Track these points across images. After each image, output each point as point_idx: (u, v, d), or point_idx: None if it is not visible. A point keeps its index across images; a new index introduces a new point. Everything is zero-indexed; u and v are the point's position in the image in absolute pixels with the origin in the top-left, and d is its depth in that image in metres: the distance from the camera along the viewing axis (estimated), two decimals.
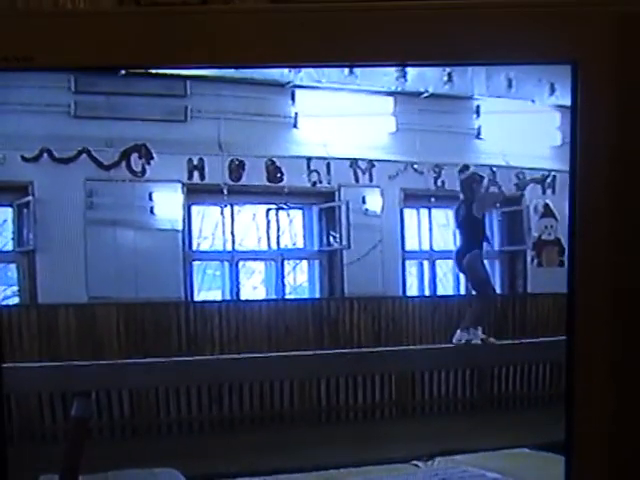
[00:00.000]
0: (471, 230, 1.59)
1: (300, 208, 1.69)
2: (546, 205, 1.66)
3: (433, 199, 1.67)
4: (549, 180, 1.67)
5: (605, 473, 1.06)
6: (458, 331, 1.60)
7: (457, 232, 1.61)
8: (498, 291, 1.66)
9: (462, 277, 1.63)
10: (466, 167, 1.56)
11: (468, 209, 1.59)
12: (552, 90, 1.57)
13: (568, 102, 1.56)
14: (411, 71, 1.60)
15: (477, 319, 1.60)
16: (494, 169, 1.59)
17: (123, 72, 1.53)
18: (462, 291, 1.71)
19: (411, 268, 1.69)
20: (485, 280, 1.62)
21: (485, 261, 1.62)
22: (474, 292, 1.63)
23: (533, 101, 1.57)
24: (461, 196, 1.59)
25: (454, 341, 1.59)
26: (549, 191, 1.67)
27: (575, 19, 0.98)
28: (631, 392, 1.05)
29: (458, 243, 1.62)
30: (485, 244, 1.61)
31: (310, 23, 1.00)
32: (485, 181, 1.57)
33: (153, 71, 1.55)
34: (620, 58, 0.99)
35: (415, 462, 1.49)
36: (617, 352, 1.03)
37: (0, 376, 1.10)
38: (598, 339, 1.02)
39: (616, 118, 0.99)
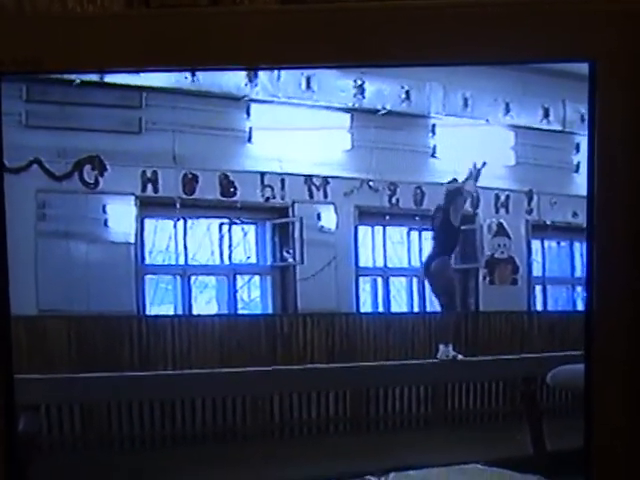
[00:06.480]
0: (445, 237, 1.60)
1: (253, 223, 1.68)
2: (499, 224, 1.68)
3: (387, 217, 1.67)
4: (503, 199, 1.69)
5: None
6: (441, 346, 1.60)
7: (432, 238, 1.61)
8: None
9: (426, 286, 1.64)
10: (455, 180, 1.57)
11: (446, 216, 1.59)
12: (507, 110, 1.59)
13: (522, 122, 1.61)
14: (369, 88, 1.61)
15: (446, 333, 1.61)
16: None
17: (78, 81, 1.51)
18: (415, 308, 1.72)
19: (365, 285, 1.69)
20: (450, 288, 1.63)
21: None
22: (437, 300, 1.63)
23: (487, 121, 1.59)
24: (442, 204, 1.59)
25: (438, 357, 1.59)
26: (502, 210, 1.69)
27: (593, 16, 0.97)
28: None
29: (430, 250, 1.62)
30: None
31: (320, 24, 0.99)
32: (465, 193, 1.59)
33: (108, 81, 1.54)
34: (639, 55, 0.98)
35: (369, 477, 1.49)
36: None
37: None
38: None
39: (635, 115, 0.98)
